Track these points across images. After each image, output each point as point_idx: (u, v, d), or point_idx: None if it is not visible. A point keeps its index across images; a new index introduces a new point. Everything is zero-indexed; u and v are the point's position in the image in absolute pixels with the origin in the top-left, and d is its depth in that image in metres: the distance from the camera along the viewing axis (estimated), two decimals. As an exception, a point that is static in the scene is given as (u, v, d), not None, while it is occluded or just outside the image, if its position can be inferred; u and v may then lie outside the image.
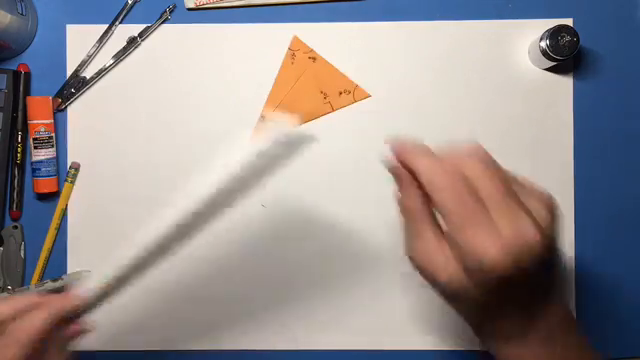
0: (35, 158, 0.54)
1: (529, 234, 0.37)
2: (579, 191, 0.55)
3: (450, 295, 0.39)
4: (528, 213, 0.38)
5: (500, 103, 0.56)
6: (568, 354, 0.41)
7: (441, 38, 0.56)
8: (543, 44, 0.52)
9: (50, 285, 0.54)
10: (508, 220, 0.37)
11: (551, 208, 0.40)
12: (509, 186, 0.39)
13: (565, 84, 0.56)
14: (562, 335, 0.41)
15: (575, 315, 0.55)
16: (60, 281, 0.54)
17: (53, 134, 0.55)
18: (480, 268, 0.36)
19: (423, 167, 0.39)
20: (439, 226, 0.39)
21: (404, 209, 0.41)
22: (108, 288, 0.43)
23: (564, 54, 0.51)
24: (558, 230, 0.41)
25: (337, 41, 0.56)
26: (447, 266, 0.38)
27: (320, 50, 0.56)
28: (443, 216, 0.38)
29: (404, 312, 0.55)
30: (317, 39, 0.56)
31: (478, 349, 0.55)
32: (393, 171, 0.42)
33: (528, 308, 0.39)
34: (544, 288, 0.40)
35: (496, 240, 0.36)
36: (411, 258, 0.41)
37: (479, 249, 0.36)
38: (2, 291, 0.54)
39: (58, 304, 0.42)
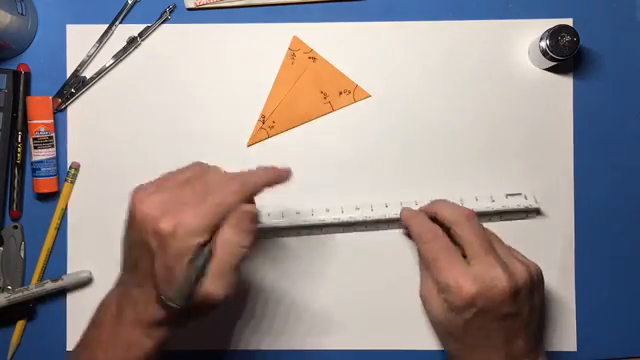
0: (35, 158, 0.54)
1: (499, 279, 0.46)
2: (579, 191, 0.55)
3: (443, 330, 0.49)
4: (502, 265, 0.47)
5: (500, 103, 0.56)
6: None
7: (441, 38, 0.56)
8: (543, 44, 0.52)
9: (50, 285, 0.54)
10: (482, 266, 0.46)
11: (531, 270, 0.48)
12: (489, 241, 0.48)
13: (565, 84, 0.56)
14: None
15: (575, 314, 0.55)
16: (60, 281, 0.54)
17: (53, 134, 0.55)
18: (456, 301, 0.46)
19: (414, 225, 0.51)
20: None
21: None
22: None
23: (564, 54, 0.51)
24: (538, 296, 0.49)
25: (337, 41, 0.56)
26: (440, 306, 0.48)
27: (320, 50, 0.56)
28: (428, 265, 0.49)
29: (404, 312, 0.55)
30: (317, 39, 0.56)
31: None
32: (406, 233, 0.54)
33: (501, 348, 0.47)
34: (514, 331, 0.47)
35: (469, 278, 0.46)
36: (420, 297, 0.51)
37: (454, 284, 0.46)
38: (2, 291, 0.54)
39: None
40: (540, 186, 0.55)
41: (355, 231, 0.55)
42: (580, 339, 0.55)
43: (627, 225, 0.56)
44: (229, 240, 0.41)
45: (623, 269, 0.55)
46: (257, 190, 0.45)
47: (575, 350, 0.55)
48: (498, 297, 0.45)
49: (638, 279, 0.56)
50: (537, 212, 0.55)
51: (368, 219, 0.54)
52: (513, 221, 0.55)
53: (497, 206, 0.54)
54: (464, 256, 0.48)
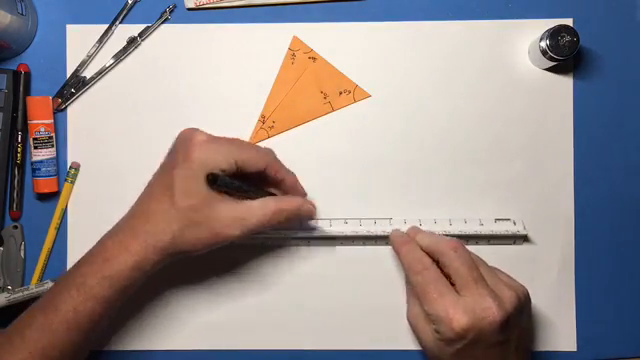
0: (35, 158, 0.54)
1: (490, 309, 0.46)
2: (579, 191, 0.55)
3: (432, 355, 0.49)
4: (491, 293, 0.47)
5: (500, 103, 0.56)
6: None
7: (441, 38, 0.56)
8: (543, 44, 0.52)
9: (50, 285, 0.54)
10: (472, 297, 0.46)
11: (519, 294, 0.48)
12: (478, 270, 0.48)
13: (565, 84, 0.56)
14: None
15: (575, 314, 0.55)
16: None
17: (53, 134, 0.55)
18: (447, 332, 0.46)
19: (404, 255, 0.51)
20: None
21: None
22: None
23: (564, 54, 0.51)
24: (526, 316, 0.50)
25: (337, 41, 0.56)
26: (430, 334, 0.48)
27: (320, 50, 0.56)
28: (418, 295, 0.49)
29: (404, 312, 0.55)
30: (317, 39, 0.56)
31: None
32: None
33: None
34: (505, 356, 0.47)
35: (460, 309, 0.46)
36: (408, 321, 0.52)
37: (445, 316, 0.46)
38: (2, 291, 0.54)
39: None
40: (540, 186, 0.55)
41: (355, 245, 0.55)
42: (580, 339, 0.55)
43: (627, 225, 0.56)
44: (269, 209, 0.47)
45: (623, 269, 0.55)
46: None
47: (575, 350, 0.55)
48: (489, 328, 0.45)
49: (638, 279, 0.56)
50: (524, 239, 0.55)
51: (370, 234, 0.54)
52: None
53: (485, 230, 0.54)
54: (452, 284, 0.48)
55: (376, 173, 0.56)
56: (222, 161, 0.46)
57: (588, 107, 0.56)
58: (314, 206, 0.51)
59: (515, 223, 0.54)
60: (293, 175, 0.52)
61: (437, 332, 0.47)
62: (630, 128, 0.56)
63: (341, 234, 0.54)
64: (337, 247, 0.55)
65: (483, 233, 0.53)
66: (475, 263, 0.49)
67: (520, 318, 0.48)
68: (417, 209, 0.55)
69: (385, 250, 0.55)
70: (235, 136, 0.54)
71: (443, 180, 0.55)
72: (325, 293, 0.55)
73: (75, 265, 0.47)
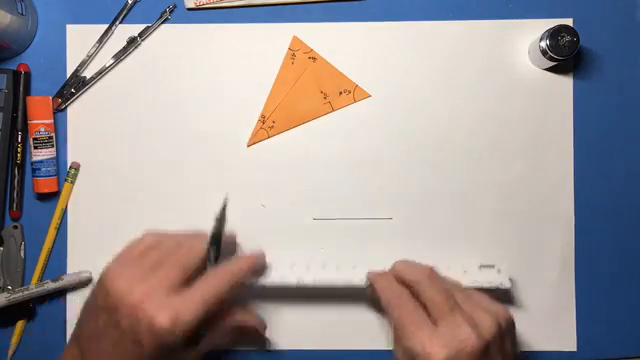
0: (35, 158, 0.54)
1: (468, 339, 0.43)
2: (579, 191, 0.55)
3: None
4: (469, 321, 0.45)
5: (500, 103, 0.56)
6: None
7: (441, 38, 0.56)
8: (543, 44, 0.52)
9: (50, 285, 0.54)
10: (449, 327, 0.44)
11: (499, 320, 0.46)
12: (453, 298, 0.46)
13: (565, 84, 0.56)
14: None
15: (575, 314, 0.55)
16: (60, 281, 0.54)
17: (53, 134, 0.55)
18: None
19: (379, 288, 0.49)
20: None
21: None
22: None
23: (564, 54, 0.51)
24: (510, 341, 0.47)
25: (337, 41, 0.56)
26: None
27: (320, 50, 0.56)
28: (396, 330, 0.47)
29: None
30: (317, 39, 0.56)
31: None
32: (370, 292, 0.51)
33: None
34: None
35: (436, 342, 0.44)
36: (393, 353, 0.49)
37: (422, 351, 0.44)
38: (2, 291, 0.54)
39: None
40: (540, 187, 0.55)
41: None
42: (580, 339, 0.55)
43: (627, 225, 0.56)
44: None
45: (623, 269, 0.55)
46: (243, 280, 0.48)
47: (575, 350, 0.55)
48: (468, 359, 0.43)
49: (638, 279, 0.56)
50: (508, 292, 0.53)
51: (340, 286, 0.52)
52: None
53: (467, 280, 0.51)
54: (428, 314, 0.46)
55: (376, 173, 0.56)
56: (193, 320, 0.43)
57: (588, 107, 0.56)
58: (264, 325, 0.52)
59: (500, 271, 0.52)
60: (246, 259, 0.50)
61: None
62: (630, 128, 0.56)
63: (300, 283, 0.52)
64: (329, 247, 0.55)
65: (465, 284, 0.51)
66: (450, 290, 0.47)
67: (502, 344, 0.46)
68: (417, 209, 0.55)
69: (387, 251, 0.55)
70: (235, 136, 0.54)
71: (443, 180, 0.55)
72: (325, 293, 0.55)
73: None
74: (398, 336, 0.47)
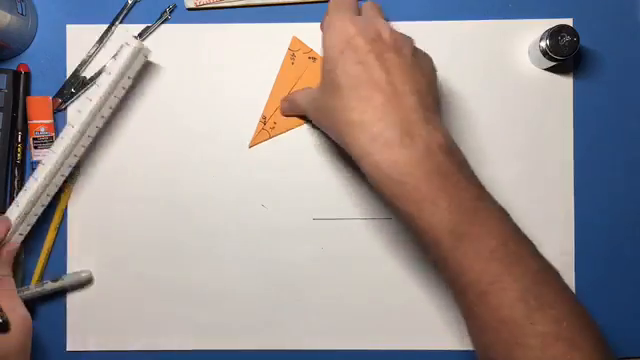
0: (35, 158, 0.54)
1: (383, 27, 0.44)
2: (579, 191, 0.55)
3: (326, 88, 0.45)
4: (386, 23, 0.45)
5: (500, 103, 0.56)
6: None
7: (441, 38, 0.56)
8: (543, 44, 0.52)
9: (50, 285, 0.54)
10: (366, 17, 0.46)
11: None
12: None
13: (565, 84, 0.56)
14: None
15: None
16: (60, 281, 0.54)
17: (53, 134, 0.55)
18: (333, 39, 0.44)
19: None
20: None
21: None
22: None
23: (564, 54, 0.51)
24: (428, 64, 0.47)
25: (337, 41, 0.56)
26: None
27: (320, 50, 0.56)
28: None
29: (405, 312, 0.55)
30: (317, 39, 0.55)
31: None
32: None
33: (385, 89, 0.42)
34: (400, 77, 0.43)
35: (343, 17, 0.44)
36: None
37: (329, 23, 0.44)
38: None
39: None
40: (540, 186, 0.55)
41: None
42: (580, 339, 0.55)
43: (627, 225, 0.56)
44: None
45: (623, 270, 0.56)
46: None
47: (575, 350, 0.55)
48: (375, 28, 0.44)
49: (638, 279, 0.56)
50: None
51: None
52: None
53: None
54: None
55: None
56: None
57: (588, 107, 0.56)
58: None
59: None
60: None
61: (325, 47, 0.45)
62: (630, 128, 0.56)
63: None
64: (329, 247, 0.55)
65: None
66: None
67: (420, 59, 0.46)
68: None
69: (387, 251, 0.55)
70: (236, 137, 0.54)
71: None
72: (325, 293, 0.55)
73: None
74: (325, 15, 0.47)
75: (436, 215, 0.40)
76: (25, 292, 0.54)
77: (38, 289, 0.54)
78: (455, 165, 0.42)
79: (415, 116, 0.41)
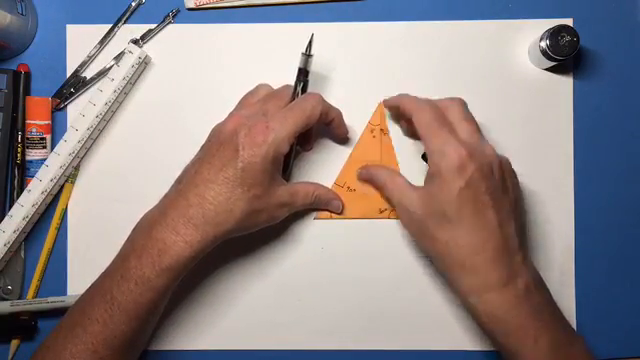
0: (27, 158, 0.54)
1: (488, 149, 0.46)
2: (579, 191, 0.55)
3: (433, 215, 0.46)
4: (484, 140, 0.48)
5: (500, 103, 0.56)
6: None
7: (441, 38, 0.56)
8: (543, 44, 0.52)
9: (52, 299, 0.54)
10: (470, 138, 0.46)
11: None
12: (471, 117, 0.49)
13: (565, 84, 0.56)
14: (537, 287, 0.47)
15: (575, 314, 0.55)
16: (60, 302, 0.54)
17: (46, 135, 0.54)
18: (447, 165, 0.45)
19: (406, 102, 0.50)
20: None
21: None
22: None
23: (564, 54, 0.51)
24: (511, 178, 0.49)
25: (337, 41, 0.56)
26: (425, 192, 0.47)
27: (320, 50, 0.56)
28: (420, 131, 0.47)
29: (405, 312, 0.55)
30: (317, 39, 0.56)
31: (485, 349, 0.55)
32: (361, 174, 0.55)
33: (496, 230, 0.45)
34: (506, 212, 0.46)
35: (459, 147, 0.45)
36: (396, 205, 0.51)
37: (446, 150, 0.45)
38: (2, 291, 0.54)
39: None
40: (540, 186, 0.55)
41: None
42: (580, 339, 0.55)
43: (627, 225, 0.56)
44: (310, 195, 0.52)
45: (623, 269, 0.56)
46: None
47: (575, 350, 0.55)
48: (488, 161, 0.45)
49: (638, 279, 0.56)
50: None
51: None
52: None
53: None
54: None
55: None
56: (286, 144, 0.47)
57: (588, 107, 0.56)
58: (342, 204, 0.54)
59: None
60: (338, 110, 0.52)
61: (435, 173, 0.45)
62: (630, 128, 0.56)
63: None
64: (331, 248, 0.55)
65: None
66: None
67: (513, 178, 0.48)
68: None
69: (387, 251, 0.55)
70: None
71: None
72: (326, 293, 0.55)
73: (123, 256, 0.47)
74: (422, 137, 0.47)
75: (535, 352, 0.45)
76: (26, 305, 0.54)
77: (41, 305, 0.54)
78: (550, 305, 0.47)
79: (518, 258, 0.46)
